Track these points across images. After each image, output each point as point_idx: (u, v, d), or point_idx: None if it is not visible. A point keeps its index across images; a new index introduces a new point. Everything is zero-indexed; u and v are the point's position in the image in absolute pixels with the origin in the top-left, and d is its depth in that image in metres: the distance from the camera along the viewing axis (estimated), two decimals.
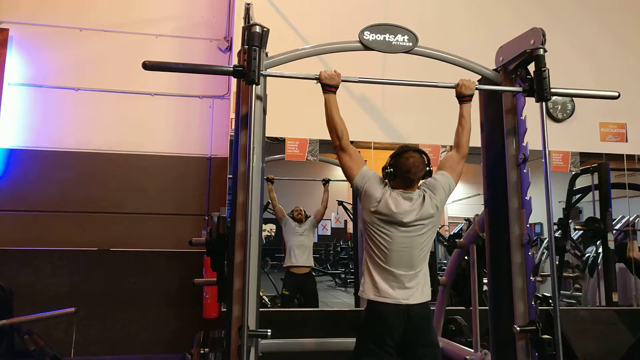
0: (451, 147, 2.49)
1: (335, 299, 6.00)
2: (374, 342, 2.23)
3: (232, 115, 4.01)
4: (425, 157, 2.34)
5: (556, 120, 4.62)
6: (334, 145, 2.29)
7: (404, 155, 2.30)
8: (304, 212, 5.01)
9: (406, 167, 2.28)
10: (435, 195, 2.30)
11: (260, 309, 2.33)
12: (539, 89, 2.24)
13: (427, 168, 2.35)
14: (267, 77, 2.26)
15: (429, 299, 2.33)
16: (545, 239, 5.84)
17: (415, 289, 2.25)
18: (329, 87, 2.25)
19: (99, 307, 4.21)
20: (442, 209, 2.34)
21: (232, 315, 2.06)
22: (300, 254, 4.84)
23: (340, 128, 2.26)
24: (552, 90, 2.25)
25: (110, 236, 4.36)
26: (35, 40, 4.51)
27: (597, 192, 5.20)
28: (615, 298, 4.87)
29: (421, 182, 2.36)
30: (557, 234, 5.18)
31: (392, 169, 2.32)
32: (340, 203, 6.14)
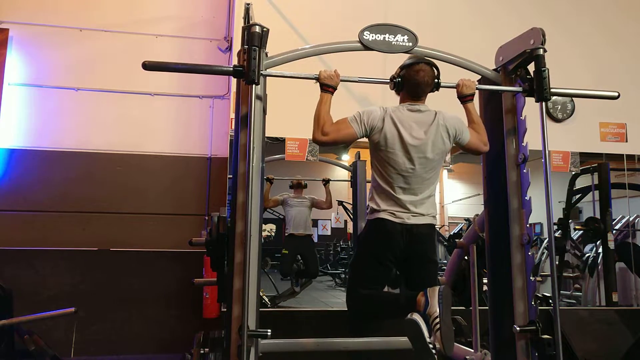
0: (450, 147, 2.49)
1: (335, 299, 5.99)
2: (375, 256, 2.28)
3: (232, 115, 4.01)
4: (435, 70, 2.34)
5: (556, 120, 4.62)
6: (314, 137, 2.27)
7: (414, 68, 2.30)
8: (303, 180, 5.22)
9: (415, 80, 2.29)
10: (448, 118, 2.30)
11: (260, 309, 2.33)
12: (539, 89, 2.24)
13: (437, 80, 2.34)
14: (267, 77, 2.26)
15: (435, 222, 2.37)
16: (545, 239, 5.84)
17: (421, 213, 2.29)
18: (327, 87, 2.26)
19: (99, 307, 4.21)
20: (453, 137, 2.32)
21: (232, 315, 2.06)
22: (299, 220, 5.11)
23: (323, 119, 2.24)
24: (552, 90, 2.25)
25: (110, 236, 4.35)
26: (35, 40, 4.51)
27: (597, 192, 5.21)
28: (615, 298, 4.87)
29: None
30: (557, 234, 5.18)
31: (400, 79, 2.32)
32: (340, 203, 6.15)
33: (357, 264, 2.39)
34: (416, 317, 2.09)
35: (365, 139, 2.35)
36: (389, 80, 2.39)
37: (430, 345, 2.04)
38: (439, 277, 3.31)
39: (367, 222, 2.36)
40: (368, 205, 2.39)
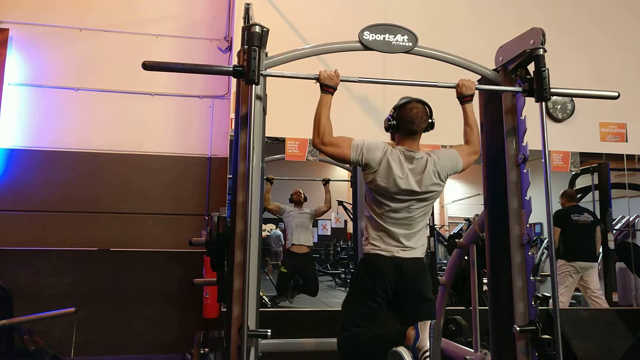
0: (451, 146, 2.49)
1: (336, 299, 6.00)
2: (365, 292, 2.26)
3: (232, 115, 4.01)
4: (428, 109, 2.35)
5: (556, 120, 4.62)
6: (314, 143, 2.26)
7: (407, 106, 2.31)
8: (303, 194, 5.14)
9: (409, 117, 2.29)
10: (439, 161, 2.30)
11: (260, 309, 2.33)
12: (539, 89, 2.24)
13: (430, 119, 2.36)
14: (267, 77, 2.26)
15: (423, 255, 2.37)
16: (545, 239, 5.85)
17: (412, 247, 2.29)
18: (327, 88, 2.25)
19: (99, 307, 4.21)
20: (445, 178, 2.33)
21: (232, 315, 2.06)
22: (301, 232, 5.04)
23: (324, 126, 2.23)
24: (552, 90, 2.24)
25: (110, 236, 4.36)
26: (35, 40, 4.51)
27: (597, 192, 5.21)
28: (615, 298, 4.87)
29: (427, 150, 2.37)
30: None
31: (395, 121, 2.33)
32: (340, 203, 6.15)
33: (348, 302, 2.37)
34: (401, 349, 2.05)
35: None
36: (389, 80, 2.39)
37: None
38: (439, 277, 3.32)
39: (359, 260, 2.37)
40: (363, 236, 2.40)
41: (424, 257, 2.34)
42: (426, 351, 2.01)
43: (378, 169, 2.25)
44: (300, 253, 4.99)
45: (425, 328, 2.06)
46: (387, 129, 2.39)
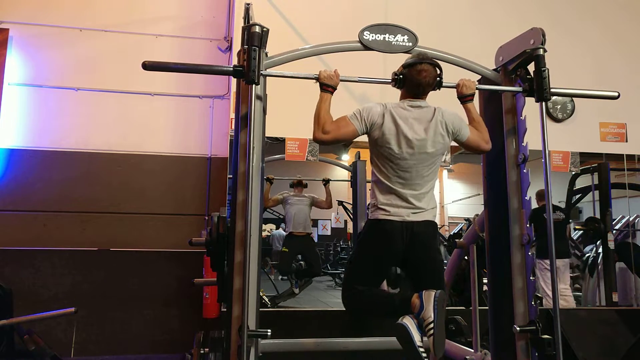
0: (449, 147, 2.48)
1: (335, 299, 6.00)
2: (374, 258, 2.25)
3: (232, 115, 4.01)
4: (438, 70, 2.29)
5: (556, 120, 4.62)
6: (315, 137, 2.25)
7: (417, 68, 2.25)
8: (303, 180, 5.22)
9: (417, 80, 2.25)
10: (447, 114, 2.27)
11: (260, 309, 2.33)
12: (539, 89, 2.24)
13: (439, 78, 2.30)
14: (267, 77, 2.26)
15: (435, 219, 2.34)
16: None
17: (423, 208, 2.25)
18: (326, 87, 2.25)
19: (99, 307, 4.21)
20: (452, 134, 2.29)
21: (232, 315, 2.06)
22: (300, 218, 5.10)
23: (323, 118, 2.22)
24: (552, 90, 2.25)
25: (110, 236, 4.36)
26: (35, 40, 4.51)
27: (597, 192, 5.21)
28: (615, 298, 4.87)
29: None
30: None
31: (402, 77, 2.29)
32: (340, 203, 6.15)
33: (355, 263, 2.37)
34: (407, 321, 2.06)
35: (364, 138, 2.33)
36: (389, 80, 2.38)
37: (421, 350, 2.02)
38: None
39: (367, 221, 2.33)
40: (369, 202, 2.36)
41: (434, 221, 2.31)
42: (431, 322, 2.02)
43: (383, 121, 2.22)
44: (300, 235, 5.13)
45: (429, 299, 2.06)
46: (392, 84, 2.33)
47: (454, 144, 2.37)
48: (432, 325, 2.02)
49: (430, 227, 2.28)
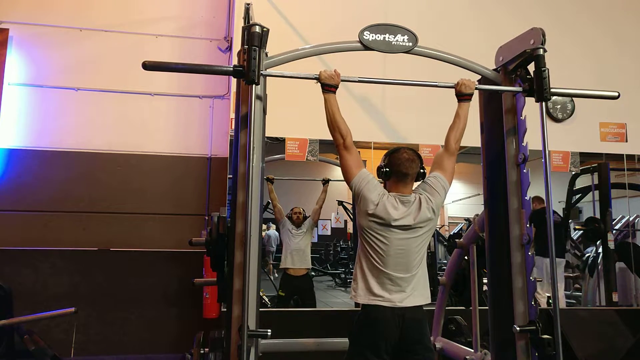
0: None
1: (335, 299, 6.00)
2: (369, 347, 2.18)
3: (232, 115, 4.01)
4: (418, 157, 2.33)
5: (556, 120, 4.62)
6: (337, 144, 2.26)
7: (399, 151, 2.31)
8: (303, 213, 4.98)
9: (400, 161, 2.27)
10: (431, 198, 2.27)
11: (260, 309, 2.33)
12: (539, 89, 2.24)
13: (421, 167, 2.33)
14: (267, 77, 2.26)
15: (428, 301, 2.30)
16: None
17: (412, 292, 2.22)
18: (328, 87, 2.25)
19: (99, 307, 4.21)
20: (439, 212, 2.32)
21: (232, 315, 2.06)
22: (297, 258, 4.79)
23: (344, 127, 2.24)
24: (552, 90, 2.24)
25: (110, 236, 4.36)
26: (35, 40, 4.51)
27: (597, 192, 5.21)
28: (615, 298, 4.87)
29: (416, 185, 2.35)
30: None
31: (387, 168, 2.31)
32: (340, 203, 6.14)
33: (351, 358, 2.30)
34: None
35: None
36: (390, 80, 2.38)
37: None
38: (439, 277, 3.32)
39: (357, 315, 2.27)
40: (355, 285, 2.27)
41: (423, 306, 2.26)
42: None
43: (378, 202, 2.21)
44: (297, 275, 4.78)
45: None
46: (379, 177, 2.34)
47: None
48: None
49: (418, 312, 2.22)
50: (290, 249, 4.82)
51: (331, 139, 2.29)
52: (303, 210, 4.97)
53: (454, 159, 2.38)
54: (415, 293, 2.23)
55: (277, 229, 5.31)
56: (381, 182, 2.34)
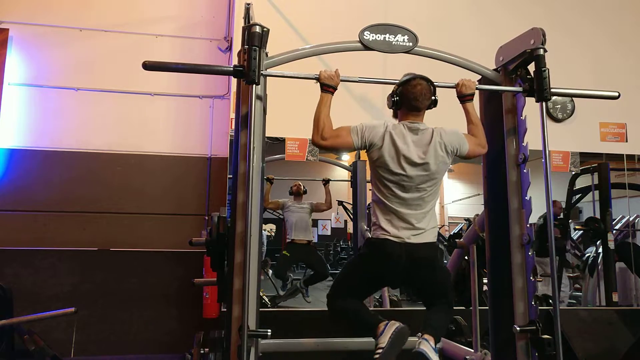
0: None
1: None
2: (369, 277, 2.26)
3: (232, 115, 4.01)
4: (432, 86, 2.31)
5: (556, 120, 4.62)
6: (314, 140, 2.25)
7: (411, 83, 2.28)
8: (303, 186, 5.16)
9: (413, 94, 2.26)
10: (445, 134, 2.27)
11: (260, 309, 2.33)
12: (539, 89, 2.25)
13: (433, 97, 2.32)
14: (267, 77, 2.26)
15: (436, 239, 2.34)
16: None
17: (423, 228, 2.24)
18: (327, 87, 2.25)
19: (99, 307, 4.21)
20: (451, 153, 2.29)
21: (232, 315, 2.06)
22: (300, 227, 5.04)
23: (323, 122, 2.22)
24: (552, 90, 2.25)
25: (110, 236, 4.35)
26: (35, 40, 4.51)
27: (597, 192, 5.21)
28: (615, 298, 4.87)
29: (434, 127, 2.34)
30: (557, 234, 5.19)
31: (398, 97, 2.30)
32: (340, 203, 6.14)
33: (349, 275, 2.37)
34: (425, 349, 2.09)
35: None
36: (389, 80, 2.39)
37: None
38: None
39: (367, 239, 2.32)
40: (371, 221, 2.35)
41: (436, 241, 2.31)
42: (381, 348, 2.10)
43: (382, 144, 2.23)
44: (301, 243, 5.06)
45: (390, 329, 2.13)
46: (389, 106, 2.36)
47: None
48: (380, 351, 2.09)
49: (431, 249, 2.26)
50: (293, 220, 5.09)
51: None
52: (302, 185, 5.17)
53: (482, 150, 2.40)
54: (426, 230, 2.26)
55: (279, 228, 5.49)
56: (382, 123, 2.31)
